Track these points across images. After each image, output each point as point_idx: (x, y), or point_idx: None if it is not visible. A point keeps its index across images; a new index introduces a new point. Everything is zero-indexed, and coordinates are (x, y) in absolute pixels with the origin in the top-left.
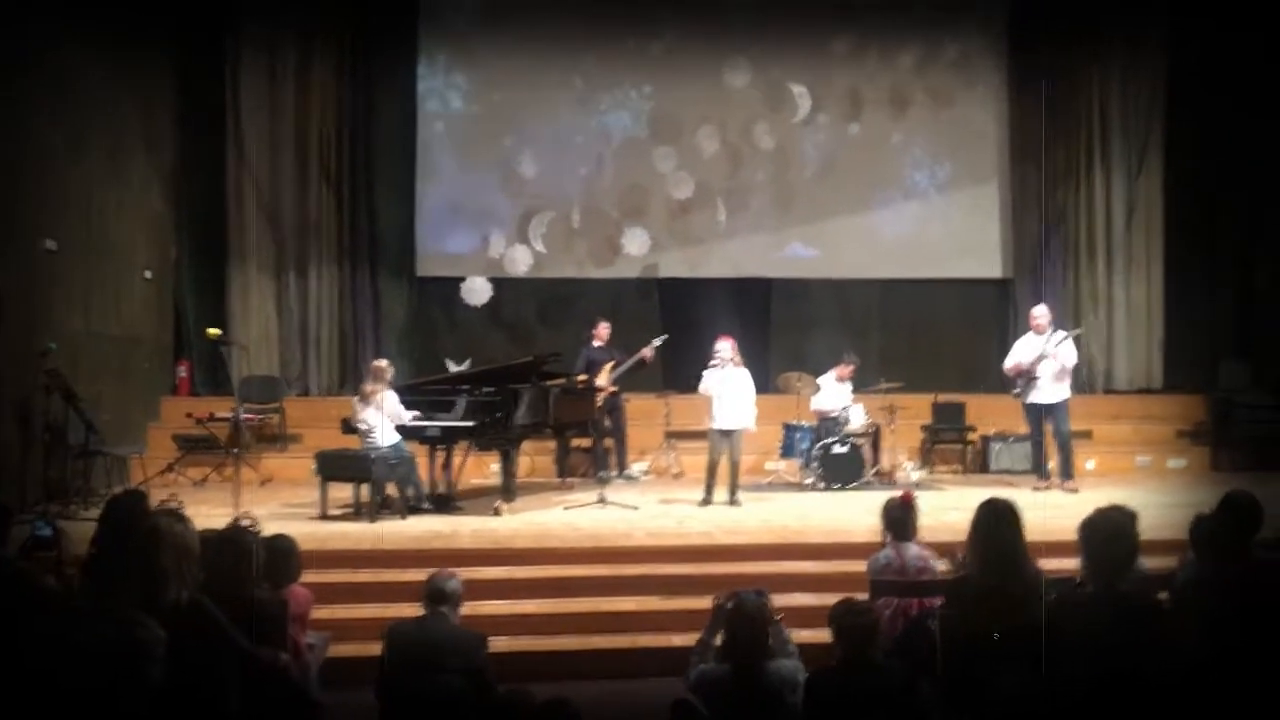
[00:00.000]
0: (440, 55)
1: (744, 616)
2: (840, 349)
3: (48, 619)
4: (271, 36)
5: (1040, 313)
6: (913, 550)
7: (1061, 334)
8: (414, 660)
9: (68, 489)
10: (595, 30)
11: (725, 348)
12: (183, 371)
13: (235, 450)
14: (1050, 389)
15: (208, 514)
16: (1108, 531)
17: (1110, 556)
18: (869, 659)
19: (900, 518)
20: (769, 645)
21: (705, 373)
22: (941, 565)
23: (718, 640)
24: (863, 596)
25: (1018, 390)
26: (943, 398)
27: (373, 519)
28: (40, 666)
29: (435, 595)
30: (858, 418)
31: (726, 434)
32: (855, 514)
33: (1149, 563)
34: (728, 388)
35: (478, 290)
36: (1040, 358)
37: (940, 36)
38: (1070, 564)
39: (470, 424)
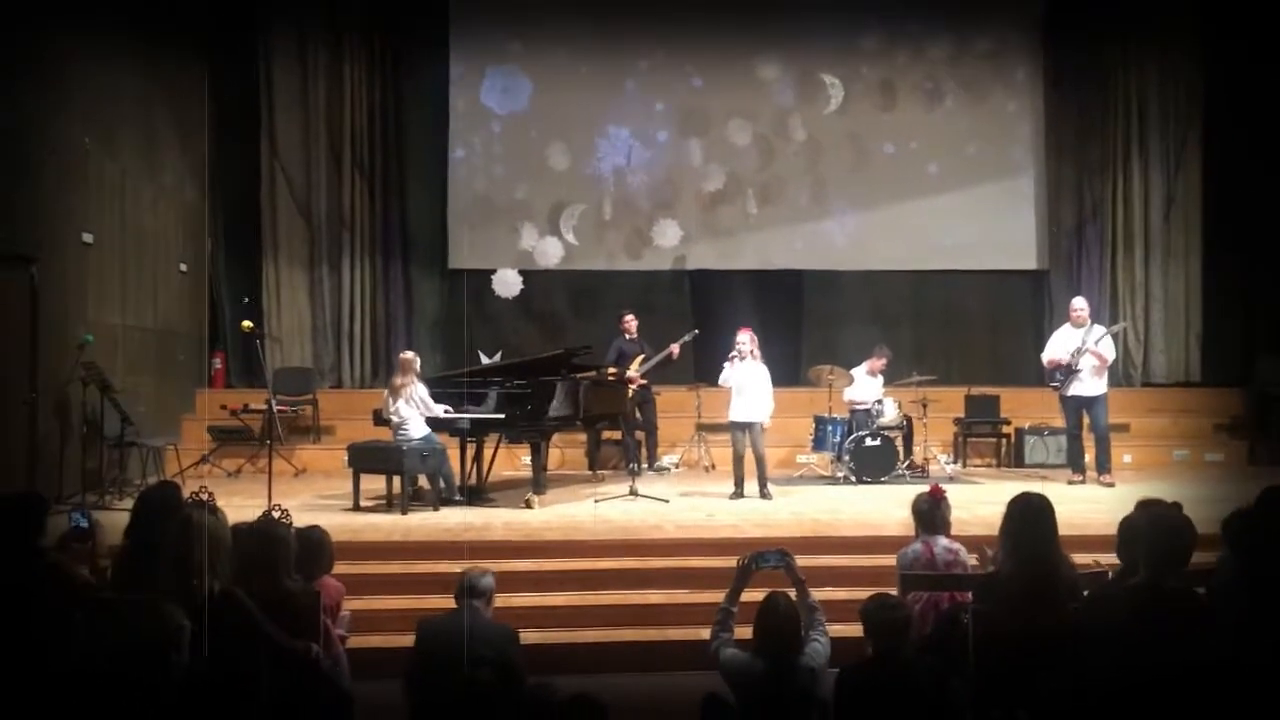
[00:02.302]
0: (471, 49)
1: (775, 616)
2: (872, 341)
3: (78, 609)
4: (303, 30)
5: (1079, 305)
6: (942, 543)
7: (1100, 329)
8: (444, 653)
9: (104, 480)
10: (625, 24)
11: (745, 339)
12: (217, 363)
13: (269, 441)
14: (1091, 382)
15: (241, 505)
16: (1165, 527)
17: (1166, 552)
18: (901, 654)
19: (929, 511)
20: (800, 638)
21: (725, 365)
22: (972, 559)
23: (737, 607)
24: (893, 591)
25: (1058, 383)
26: (976, 390)
27: (405, 511)
28: (70, 655)
29: (468, 590)
30: (890, 411)
31: (744, 426)
32: (887, 508)
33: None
34: (746, 380)
35: (509, 282)
36: (1080, 351)
37: (974, 28)
38: (1106, 559)
39: (501, 416)
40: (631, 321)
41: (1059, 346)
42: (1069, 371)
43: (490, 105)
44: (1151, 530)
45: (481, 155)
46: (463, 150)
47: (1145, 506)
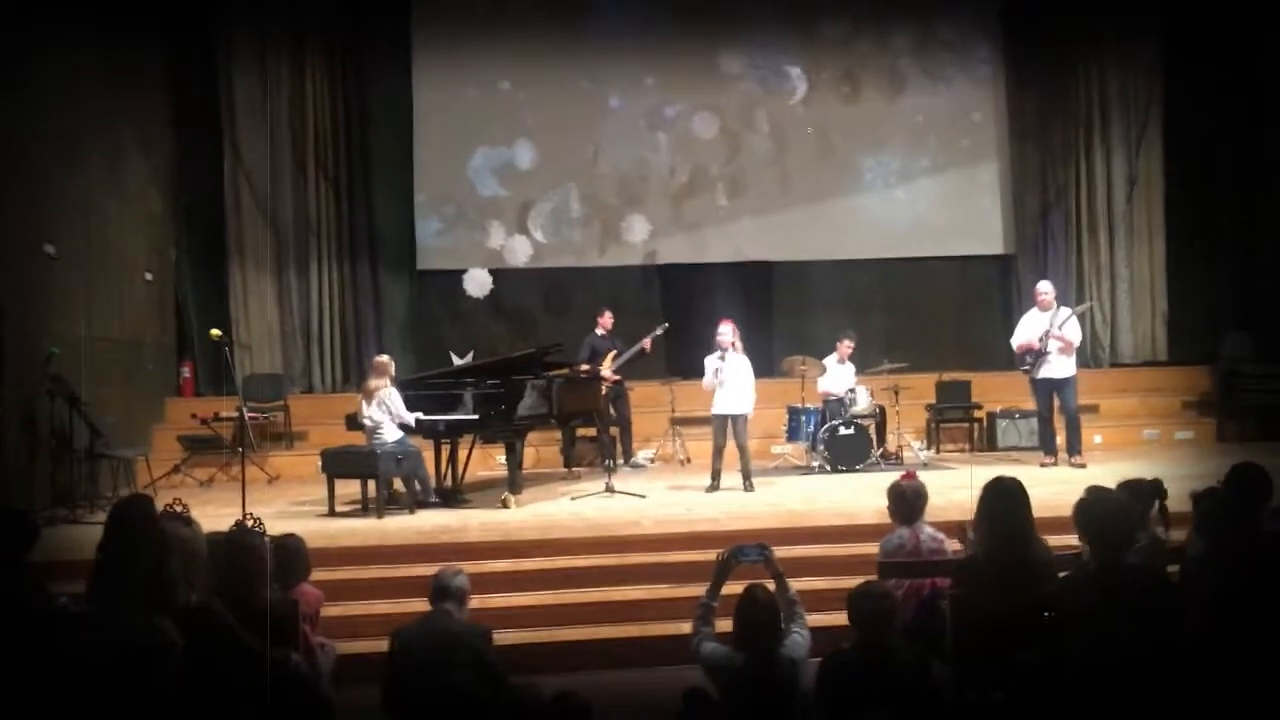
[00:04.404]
0: (434, 47)
1: (754, 608)
2: (843, 330)
3: (64, 626)
4: (264, 34)
5: (1045, 288)
6: (927, 531)
7: (1066, 310)
8: (421, 660)
9: (74, 493)
10: (589, 19)
11: (727, 331)
12: (186, 372)
13: (241, 449)
14: (1060, 364)
15: (215, 514)
16: (1103, 511)
17: (1110, 534)
18: (884, 642)
19: (913, 498)
20: (780, 630)
21: (707, 360)
22: (953, 544)
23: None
24: (873, 579)
25: (1027, 366)
26: (947, 376)
27: (380, 515)
28: (57, 673)
29: (440, 592)
30: (863, 399)
31: (728, 419)
32: (862, 496)
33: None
34: (728, 373)
35: (480, 281)
36: (1047, 334)
37: (935, 16)
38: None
39: (475, 417)
40: (609, 318)
41: (1027, 331)
42: (1038, 355)
43: (454, 103)
44: (1087, 512)
45: (447, 154)
46: (427, 150)
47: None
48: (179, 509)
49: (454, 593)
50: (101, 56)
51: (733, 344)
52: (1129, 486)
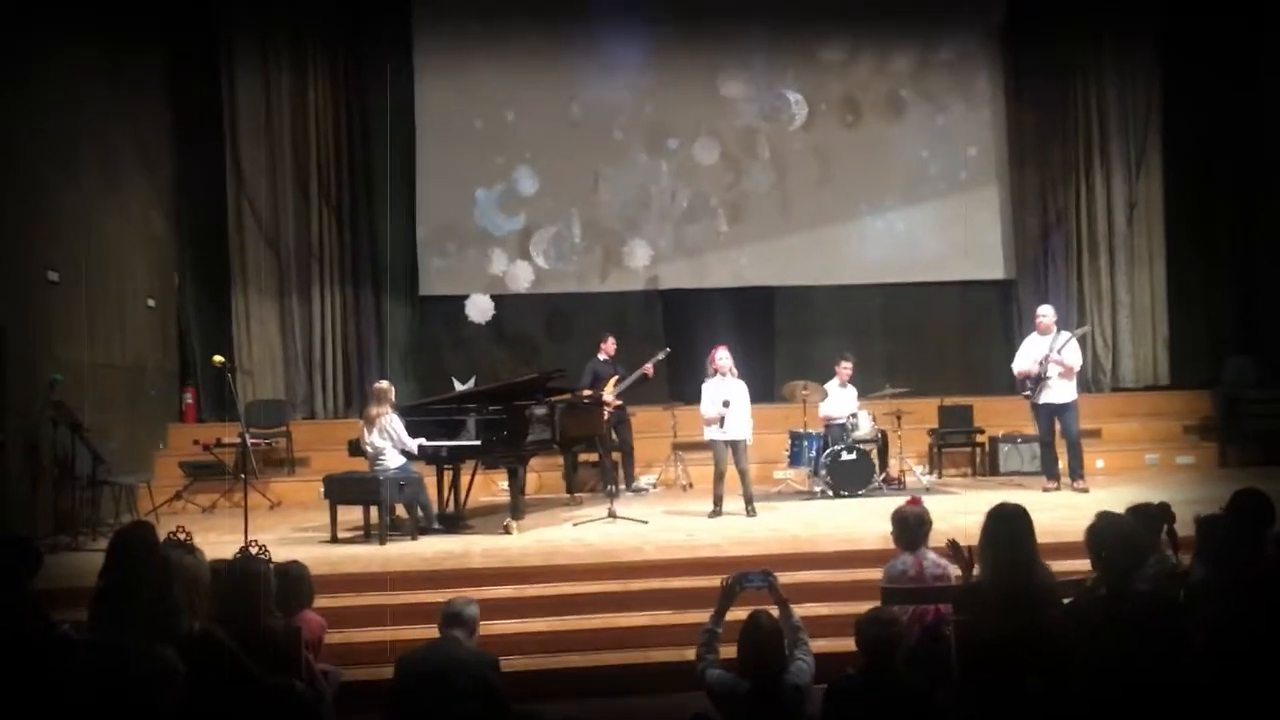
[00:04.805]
0: (438, 76)
1: (758, 634)
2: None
3: (66, 653)
4: (266, 60)
5: (1045, 313)
6: (930, 558)
7: (1066, 335)
8: (425, 686)
9: (76, 520)
10: (590, 45)
11: (727, 356)
12: (189, 398)
13: (243, 475)
14: (1061, 389)
15: (217, 540)
16: (1114, 535)
17: (1119, 559)
18: (890, 668)
19: (909, 525)
20: (784, 656)
21: (707, 386)
22: (955, 570)
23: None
24: (877, 604)
25: (1029, 391)
26: (949, 401)
27: (383, 541)
28: (60, 701)
29: (450, 619)
30: (865, 424)
31: (731, 444)
32: (865, 521)
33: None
34: (730, 397)
35: (482, 307)
36: (1046, 359)
37: (934, 40)
38: (1083, 565)
39: (478, 442)
40: (612, 344)
41: (1027, 356)
42: (1039, 379)
43: (457, 130)
44: (1097, 537)
45: (449, 181)
46: (429, 177)
47: (1104, 516)
48: (182, 536)
49: (465, 621)
50: (101, 57)
51: (730, 369)
52: (1137, 511)
